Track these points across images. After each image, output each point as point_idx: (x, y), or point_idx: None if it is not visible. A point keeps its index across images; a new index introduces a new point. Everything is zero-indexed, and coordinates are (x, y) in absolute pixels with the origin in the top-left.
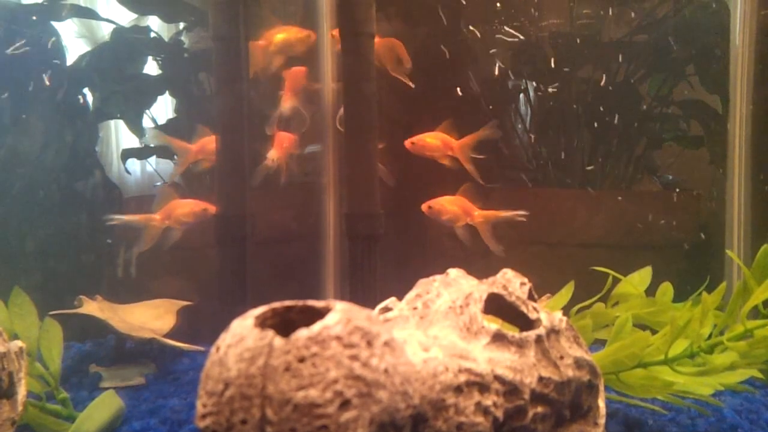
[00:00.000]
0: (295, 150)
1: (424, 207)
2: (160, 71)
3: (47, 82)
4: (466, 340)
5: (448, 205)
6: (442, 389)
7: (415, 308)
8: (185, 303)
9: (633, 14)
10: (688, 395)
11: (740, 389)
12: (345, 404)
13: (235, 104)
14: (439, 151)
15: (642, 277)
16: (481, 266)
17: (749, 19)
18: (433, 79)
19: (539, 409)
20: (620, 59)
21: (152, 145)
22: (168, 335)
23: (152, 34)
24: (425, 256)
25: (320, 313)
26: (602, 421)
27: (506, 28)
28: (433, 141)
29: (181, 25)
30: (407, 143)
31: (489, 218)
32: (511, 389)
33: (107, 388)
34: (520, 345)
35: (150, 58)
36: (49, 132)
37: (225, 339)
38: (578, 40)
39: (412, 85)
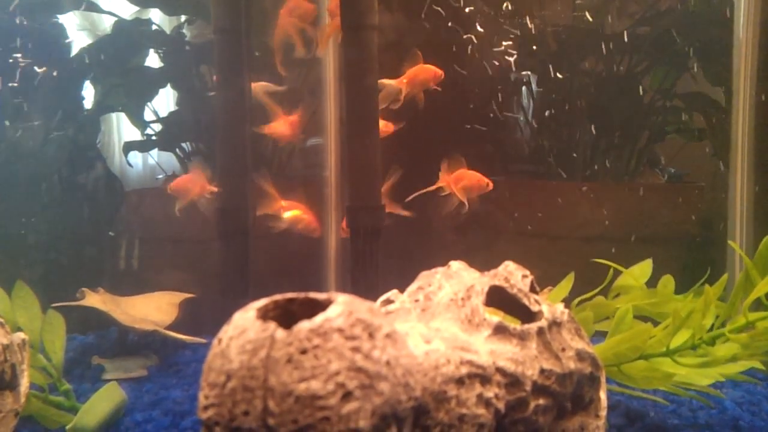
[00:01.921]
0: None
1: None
2: (161, 64)
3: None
4: (467, 332)
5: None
6: (443, 381)
7: (416, 300)
8: (187, 295)
9: (636, 6)
10: (690, 387)
11: (741, 379)
12: (347, 396)
13: (237, 97)
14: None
15: (642, 269)
16: (483, 259)
17: (753, 12)
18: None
19: (541, 401)
20: (623, 52)
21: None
22: (170, 327)
23: (154, 27)
24: (427, 248)
25: (322, 306)
26: (603, 413)
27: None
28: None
29: (183, 18)
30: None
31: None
32: (512, 381)
33: (110, 380)
34: (522, 337)
35: (151, 50)
36: (51, 125)
37: (227, 331)
38: (581, 33)
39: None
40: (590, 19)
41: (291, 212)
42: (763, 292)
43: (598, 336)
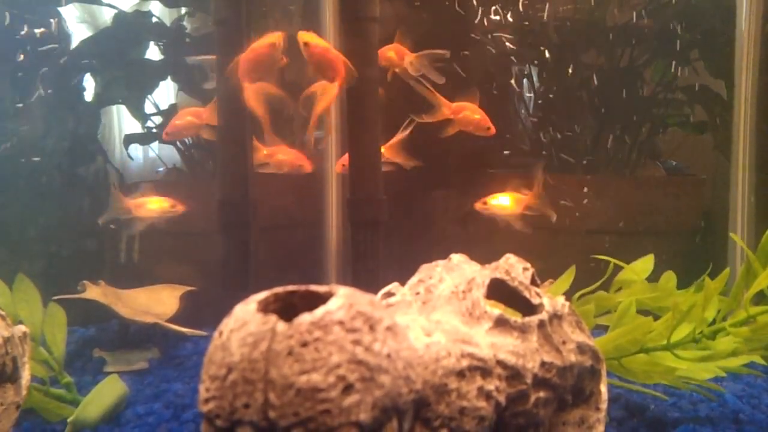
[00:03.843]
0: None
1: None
2: (161, 56)
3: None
4: (468, 325)
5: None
6: (444, 374)
7: (417, 293)
8: (188, 288)
9: None
10: (691, 381)
11: (743, 372)
12: (348, 388)
13: (238, 89)
14: None
15: (644, 264)
16: (483, 251)
17: (755, 3)
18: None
19: (541, 394)
20: (625, 44)
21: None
22: (171, 320)
23: (154, 19)
24: (428, 241)
25: (323, 298)
26: (604, 405)
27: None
28: None
29: (183, 10)
30: None
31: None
32: (513, 374)
33: (111, 373)
34: (523, 330)
35: (152, 43)
36: (51, 118)
37: (228, 324)
38: (582, 25)
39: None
40: (592, 12)
41: (276, 156)
42: (763, 285)
43: (600, 329)
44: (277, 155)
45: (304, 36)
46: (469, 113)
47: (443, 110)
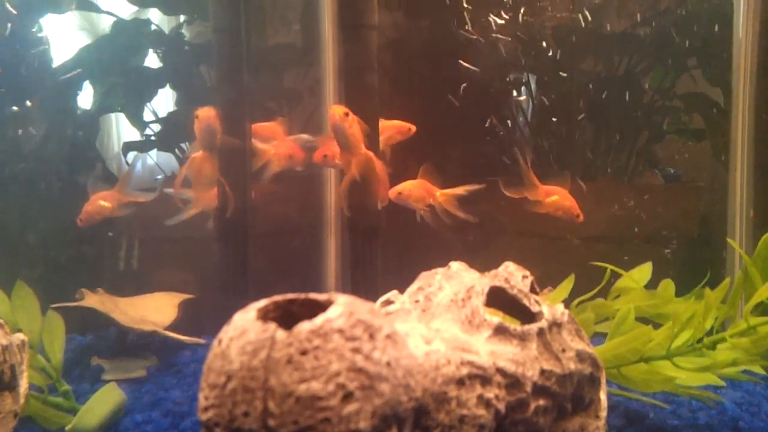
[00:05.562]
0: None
1: (392, 194)
2: (160, 64)
3: None
4: (468, 333)
5: (415, 189)
6: (444, 382)
7: (417, 301)
8: (186, 296)
9: (636, 6)
10: (690, 390)
11: (742, 378)
12: (347, 397)
13: (236, 96)
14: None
15: (642, 272)
16: (483, 259)
17: (753, 11)
18: (436, 70)
19: (541, 402)
20: (622, 52)
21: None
22: (169, 328)
23: (153, 27)
24: (427, 248)
25: (322, 306)
26: (603, 414)
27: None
28: None
29: (182, 18)
30: None
31: (450, 196)
32: (513, 382)
33: (109, 381)
34: (522, 338)
35: (151, 50)
36: (50, 125)
37: (227, 332)
38: (580, 32)
39: None
40: (589, 19)
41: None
42: (763, 297)
43: (598, 337)
44: (276, 151)
45: (342, 108)
46: (559, 199)
47: (534, 191)
